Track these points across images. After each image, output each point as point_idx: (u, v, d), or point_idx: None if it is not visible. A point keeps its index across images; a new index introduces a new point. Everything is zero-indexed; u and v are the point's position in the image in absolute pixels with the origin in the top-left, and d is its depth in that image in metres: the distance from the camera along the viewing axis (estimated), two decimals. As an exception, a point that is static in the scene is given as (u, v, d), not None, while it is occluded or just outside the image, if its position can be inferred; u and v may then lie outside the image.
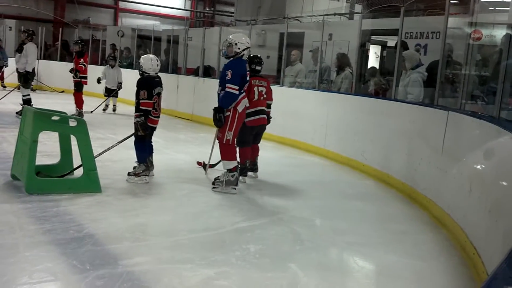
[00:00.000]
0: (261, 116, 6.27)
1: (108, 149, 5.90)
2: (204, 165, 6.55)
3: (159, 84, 5.90)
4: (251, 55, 6.36)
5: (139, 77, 5.87)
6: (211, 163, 6.54)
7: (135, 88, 5.81)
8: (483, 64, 6.41)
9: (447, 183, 4.99)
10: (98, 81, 11.83)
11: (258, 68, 6.35)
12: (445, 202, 4.97)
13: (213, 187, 5.69)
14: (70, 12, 21.78)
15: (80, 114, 10.30)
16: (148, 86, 5.76)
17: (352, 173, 7.17)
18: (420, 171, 5.78)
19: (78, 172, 5.35)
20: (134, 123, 5.79)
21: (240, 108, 5.64)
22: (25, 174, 4.97)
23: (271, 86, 6.57)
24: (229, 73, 5.54)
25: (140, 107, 5.74)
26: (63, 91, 15.62)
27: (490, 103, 5.66)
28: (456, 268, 4.05)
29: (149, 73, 5.86)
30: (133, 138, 5.90)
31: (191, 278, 3.47)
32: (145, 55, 6.09)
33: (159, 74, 6.02)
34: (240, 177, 6.09)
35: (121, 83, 12.05)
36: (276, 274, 3.66)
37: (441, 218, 4.98)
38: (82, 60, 10.58)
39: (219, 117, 5.56)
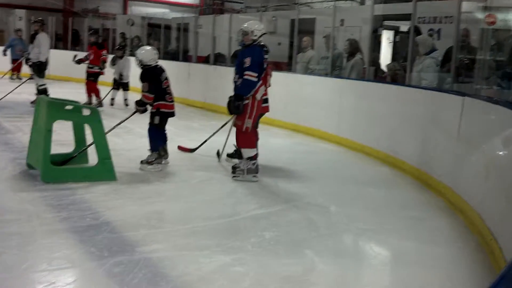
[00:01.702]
0: (268, 103, 6.31)
1: (115, 126, 6.03)
2: (217, 153, 6.53)
3: (163, 70, 5.93)
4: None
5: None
6: (225, 151, 6.53)
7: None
8: (498, 48, 6.33)
9: (463, 169, 4.95)
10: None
11: (266, 56, 6.30)
12: (462, 188, 4.93)
13: (234, 176, 5.66)
14: (79, 1, 21.77)
15: (100, 103, 10.50)
16: (153, 76, 5.77)
17: (366, 160, 7.13)
18: (435, 157, 5.74)
19: (94, 161, 5.37)
20: (136, 107, 5.88)
21: (258, 96, 5.62)
22: (41, 163, 5.00)
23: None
24: (247, 60, 5.49)
25: (141, 98, 5.77)
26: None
27: (506, 88, 5.60)
28: (473, 254, 4.02)
29: (150, 64, 5.85)
30: (147, 126, 5.92)
31: (208, 264, 3.48)
32: (140, 48, 6.04)
33: (170, 62, 6.03)
34: (233, 158, 6.25)
35: (122, 74, 11.02)
36: (292, 260, 3.66)
37: (457, 204, 4.94)
38: (104, 51, 10.70)
39: (238, 105, 5.53)
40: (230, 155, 6.43)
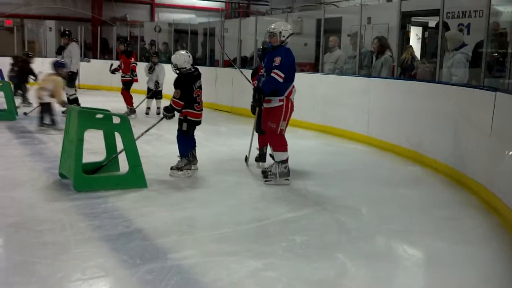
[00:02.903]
0: None
1: (143, 133, 6.02)
2: (246, 159, 6.53)
3: (199, 77, 5.94)
4: (265, 46, 6.32)
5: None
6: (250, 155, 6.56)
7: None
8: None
9: (497, 166, 4.83)
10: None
11: None
12: (496, 186, 4.82)
13: (266, 181, 5.64)
14: (107, 10, 22.10)
15: (132, 110, 10.58)
16: (187, 83, 5.79)
17: (397, 159, 7.04)
18: (468, 154, 5.62)
19: (124, 169, 5.44)
20: (163, 113, 5.90)
21: (292, 98, 5.60)
22: (73, 172, 5.08)
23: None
24: (277, 60, 5.44)
25: (171, 103, 5.79)
26: None
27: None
28: (509, 253, 3.93)
29: (185, 67, 5.88)
30: (175, 132, 5.96)
31: (239, 270, 3.48)
32: (175, 54, 6.07)
33: (197, 67, 6.06)
34: (260, 162, 6.40)
35: (158, 82, 10.78)
36: (323, 264, 3.63)
37: (492, 203, 4.83)
38: (133, 59, 10.88)
39: (259, 98, 5.53)
40: (257, 159, 6.45)
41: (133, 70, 10.83)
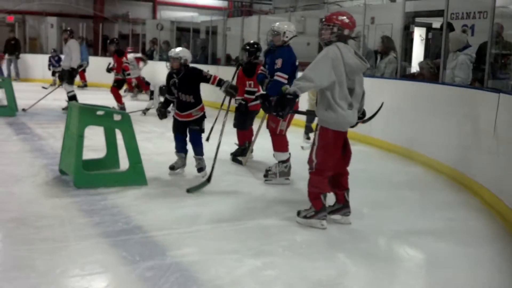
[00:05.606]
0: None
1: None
2: (232, 158, 6.52)
3: None
4: (251, 41, 6.25)
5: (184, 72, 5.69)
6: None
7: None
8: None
9: (500, 167, 4.80)
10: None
11: (258, 54, 6.27)
12: (498, 187, 4.79)
13: (266, 180, 5.62)
14: (109, 7, 22.06)
15: (122, 109, 10.45)
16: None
17: (399, 160, 7.00)
18: (471, 156, 5.59)
19: (124, 166, 5.41)
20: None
21: None
22: (73, 168, 5.06)
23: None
24: (278, 62, 5.47)
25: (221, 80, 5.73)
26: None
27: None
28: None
29: (188, 65, 5.76)
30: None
31: (238, 268, 3.46)
32: (180, 49, 5.81)
33: (195, 65, 6.01)
34: (240, 157, 6.43)
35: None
36: (324, 263, 3.61)
37: (494, 204, 4.80)
38: (124, 58, 10.80)
39: (270, 103, 5.48)
40: (238, 154, 6.51)
41: (124, 70, 10.74)
